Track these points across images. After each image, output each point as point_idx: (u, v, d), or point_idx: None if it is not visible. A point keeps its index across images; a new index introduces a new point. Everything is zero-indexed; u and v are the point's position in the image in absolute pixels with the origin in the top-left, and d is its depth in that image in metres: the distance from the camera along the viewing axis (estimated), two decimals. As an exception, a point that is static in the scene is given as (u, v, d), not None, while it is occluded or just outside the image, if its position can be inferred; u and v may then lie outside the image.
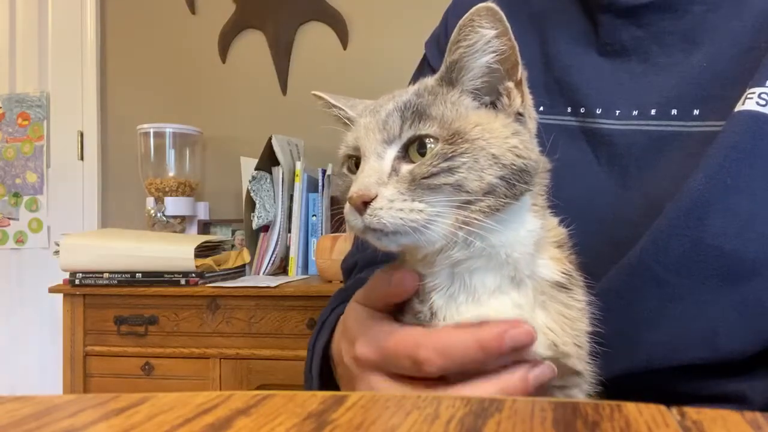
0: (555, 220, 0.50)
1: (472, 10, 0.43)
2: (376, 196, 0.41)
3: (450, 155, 0.42)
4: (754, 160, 0.52)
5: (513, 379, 0.43)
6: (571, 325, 0.46)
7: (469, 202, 0.42)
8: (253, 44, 2.11)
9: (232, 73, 2.13)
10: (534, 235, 0.46)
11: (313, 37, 2.08)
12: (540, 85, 0.67)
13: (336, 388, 0.58)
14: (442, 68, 0.46)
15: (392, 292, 0.47)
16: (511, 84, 0.45)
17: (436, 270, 0.45)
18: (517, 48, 0.44)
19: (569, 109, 0.65)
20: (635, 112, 0.61)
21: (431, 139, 0.43)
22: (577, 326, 0.47)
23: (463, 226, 0.42)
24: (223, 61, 2.13)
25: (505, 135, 0.43)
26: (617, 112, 0.62)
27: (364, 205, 0.42)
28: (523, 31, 0.71)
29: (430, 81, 0.47)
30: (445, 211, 0.42)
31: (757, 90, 0.53)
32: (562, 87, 0.65)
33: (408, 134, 0.44)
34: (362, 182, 0.42)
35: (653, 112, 0.60)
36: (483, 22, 0.43)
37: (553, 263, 0.47)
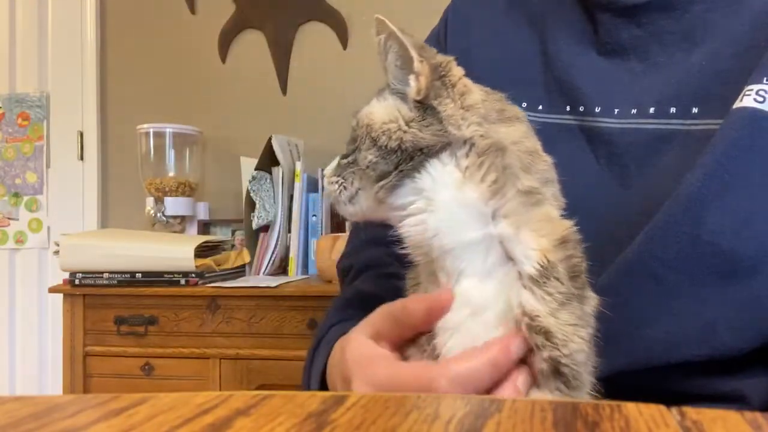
0: (551, 212, 0.48)
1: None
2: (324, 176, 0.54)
3: (353, 141, 0.51)
4: (752, 156, 0.52)
5: (506, 393, 0.44)
6: (554, 314, 0.44)
7: (376, 177, 0.48)
8: (253, 44, 2.11)
9: (232, 73, 2.13)
10: (482, 220, 0.45)
11: (313, 37, 2.08)
12: (539, 83, 0.67)
13: None
14: None
15: (434, 308, 0.47)
16: (411, 76, 0.48)
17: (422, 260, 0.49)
18: (407, 44, 0.48)
19: (568, 108, 0.65)
20: (634, 111, 0.61)
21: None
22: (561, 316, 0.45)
23: (376, 195, 0.49)
24: (223, 61, 2.13)
25: (384, 120, 0.49)
26: (616, 110, 0.62)
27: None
28: (522, 30, 0.71)
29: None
30: (358, 183, 0.50)
31: (755, 87, 0.53)
32: (562, 86, 0.65)
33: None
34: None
35: (652, 110, 0.60)
36: (377, 30, 0.50)
37: (535, 254, 0.45)
